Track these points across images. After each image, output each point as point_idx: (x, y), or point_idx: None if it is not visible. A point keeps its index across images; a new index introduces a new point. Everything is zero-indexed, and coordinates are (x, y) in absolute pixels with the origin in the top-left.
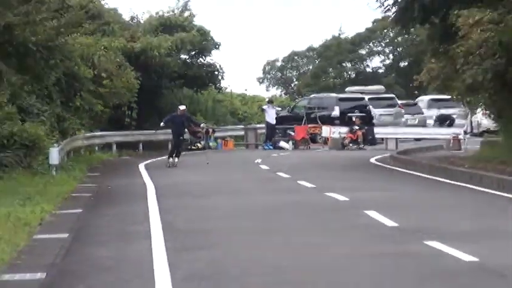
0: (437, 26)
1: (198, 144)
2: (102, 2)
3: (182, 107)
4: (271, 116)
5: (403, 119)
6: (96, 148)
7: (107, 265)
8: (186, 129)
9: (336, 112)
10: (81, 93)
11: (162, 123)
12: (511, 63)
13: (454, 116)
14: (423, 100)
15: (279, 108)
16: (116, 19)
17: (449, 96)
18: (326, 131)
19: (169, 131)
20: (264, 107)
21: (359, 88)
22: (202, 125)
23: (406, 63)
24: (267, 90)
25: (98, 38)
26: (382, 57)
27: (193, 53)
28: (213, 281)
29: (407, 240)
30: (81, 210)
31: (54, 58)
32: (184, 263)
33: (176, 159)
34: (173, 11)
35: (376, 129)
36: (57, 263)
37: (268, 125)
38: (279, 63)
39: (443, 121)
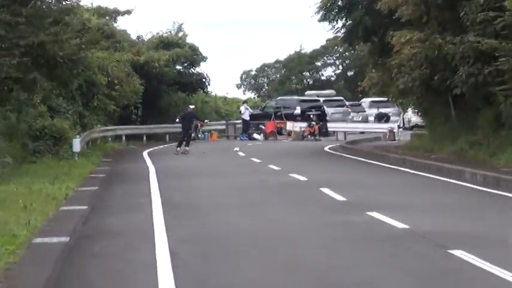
0: (377, 44)
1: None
2: (115, 25)
3: (192, 106)
4: (246, 114)
5: (350, 116)
6: (109, 139)
7: (117, 230)
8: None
9: (297, 111)
10: (97, 95)
11: (177, 119)
12: (434, 73)
13: (390, 114)
14: (365, 101)
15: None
16: (125, 38)
17: (386, 98)
18: (290, 125)
19: (165, 125)
20: (241, 107)
21: (315, 92)
22: (206, 120)
23: (353, 73)
24: (244, 94)
25: (111, 53)
26: (334, 68)
27: (186, 64)
28: (200, 242)
29: (354, 211)
30: (97, 188)
31: (77, 68)
32: (178, 228)
33: (187, 148)
34: (170, 32)
35: (329, 124)
36: (79, 229)
37: (244, 121)
38: (253, 73)
39: (381, 118)
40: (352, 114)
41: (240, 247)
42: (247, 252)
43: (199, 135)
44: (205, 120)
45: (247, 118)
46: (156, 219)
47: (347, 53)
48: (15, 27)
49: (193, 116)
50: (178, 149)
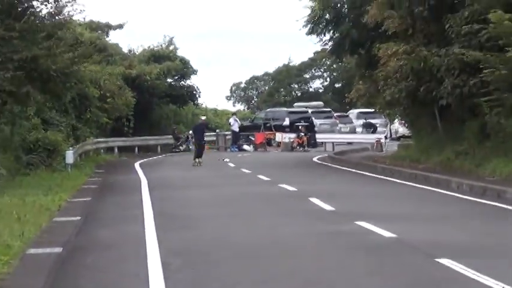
0: (364, 56)
1: (181, 148)
2: (107, 39)
3: (203, 118)
4: (235, 125)
5: (338, 127)
6: (102, 151)
7: (110, 242)
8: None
9: (286, 122)
10: (90, 108)
11: (190, 132)
12: (420, 85)
13: (377, 125)
14: (353, 113)
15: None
16: (117, 51)
17: (373, 110)
18: (279, 136)
19: (157, 137)
20: (230, 119)
21: (304, 104)
22: (217, 130)
23: (340, 85)
24: (234, 106)
25: (103, 66)
26: (322, 80)
27: (177, 77)
28: (192, 254)
29: (342, 221)
30: (90, 199)
31: (70, 82)
32: (170, 240)
33: (200, 160)
34: (161, 45)
35: (317, 135)
36: (72, 240)
37: (233, 132)
38: (242, 85)
39: (368, 127)
40: (340, 125)
41: (232, 259)
42: (239, 264)
43: (191, 147)
44: (217, 130)
45: (237, 129)
46: (148, 230)
47: (335, 65)
48: (9, 41)
49: (206, 126)
50: (196, 160)
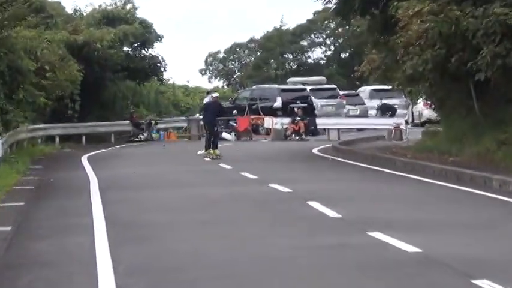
0: (377, 17)
1: (141, 136)
2: None
3: (215, 95)
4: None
5: (345, 110)
6: (39, 141)
7: (49, 259)
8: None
9: (278, 103)
10: (24, 85)
11: (199, 113)
12: (451, 54)
13: (396, 107)
14: (364, 91)
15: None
16: (58, 12)
17: (390, 87)
18: (268, 122)
19: (110, 123)
20: (206, 99)
21: (301, 79)
22: (234, 112)
23: (347, 54)
24: (210, 82)
25: (41, 31)
26: (324, 49)
27: (136, 45)
28: (153, 275)
29: (350, 232)
30: (23, 203)
31: None
32: (127, 256)
33: (217, 151)
34: (116, 4)
35: (318, 120)
36: (0, 257)
37: None
38: (221, 55)
39: (386, 111)
40: (347, 107)
41: (208, 279)
42: (217, 286)
43: (154, 135)
44: (234, 112)
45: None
46: (99, 244)
47: (340, 29)
48: None
49: (219, 107)
50: (202, 152)
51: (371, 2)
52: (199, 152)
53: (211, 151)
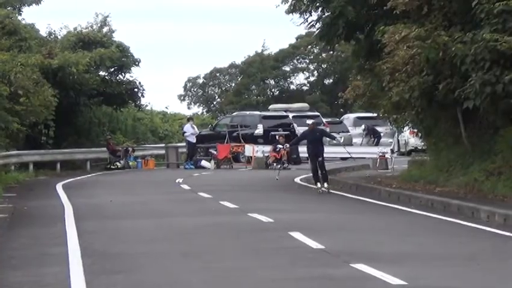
0: (363, 43)
1: (118, 164)
2: (19, 18)
3: (309, 121)
4: (190, 134)
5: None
6: (12, 167)
7: None
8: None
9: (259, 130)
10: None
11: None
12: (438, 81)
13: (381, 134)
14: (349, 118)
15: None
16: (32, 35)
17: (375, 114)
18: (249, 150)
19: (85, 149)
20: (185, 126)
21: (283, 106)
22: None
23: (331, 81)
24: (189, 108)
25: (14, 54)
26: (307, 74)
27: (113, 69)
28: None
29: (334, 263)
30: None
31: None
32: None
33: (325, 184)
34: (92, 27)
35: (300, 148)
36: None
37: (188, 143)
38: (200, 80)
39: (372, 134)
40: None
41: None
42: None
43: (131, 163)
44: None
45: (193, 140)
46: (74, 274)
47: (324, 55)
48: None
49: (321, 133)
50: (318, 184)
51: (356, 27)
52: (176, 181)
53: (325, 185)
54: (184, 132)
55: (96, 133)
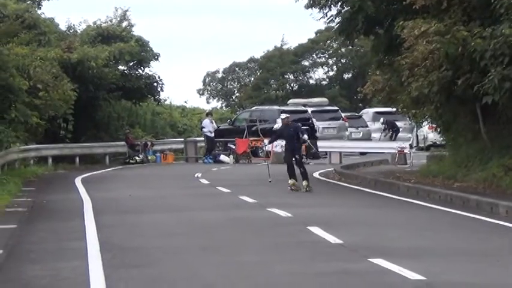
0: (382, 37)
1: (137, 158)
2: (39, 12)
3: (283, 116)
4: (209, 129)
5: (347, 133)
6: (32, 162)
7: (41, 284)
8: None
9: (278, 125)
10: (16, 104)
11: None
12: (457, 76)
13: (400, 129)
14: (368, 113)
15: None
16: (52, 29)
17: (394, 109)
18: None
19: (104, 143)
20: (204, 121)
21: (302, 100)
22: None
23: (350, 75)
24: (208, 103)
25: (33, 48)
26: (326, 69)
27: (132, 64)
28: None
29: (352, 258)
30: (15, 226)
31: None
32: (121, 282)
33: (304, 182)
34: (111, 21)
35: (319, 143)
36: None
37: (207, 138)
38: (219, 75)
39: (391, 127)
40: (350, 129)
41: None
42: None
43: (150, 157)
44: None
45: (212, 134)
46: (93, 269)
47: (343, 50)
48: None
49: (295, 129)
50: (290, 182)
51: (375, 21)
52: (195, 175)
53: (291, 182)
54: (203, 127)
55: (115, 127)
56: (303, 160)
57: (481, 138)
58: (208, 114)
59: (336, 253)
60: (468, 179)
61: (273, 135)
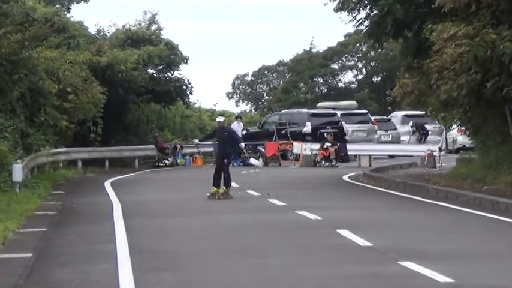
0: (411, 41)
1: (166, 161)
2: (68, 16)
3: (220, 119)
4: (239, 132)
5: (377, 136)
6: (61, 165)
7: (71, 287)
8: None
9: (307, 128)
10: (45, 108)
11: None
12: (486, 79)
13: (429, 132)
14: (397, 116)
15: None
16: (81, 32)
17: (423, 112)
18: (297, 147)
19: (134, 147)
20: (233, 124)
21: (331, 103)
22: (242, 144)
23: (379, 78)
24: (237, 106)
25: (63, 51)
26: (355, 72)
27: (161, 67)
28: None
29: (381, 261)
30: (45, 229)
31: (18, 72)
32: (151, 285)
33: (222, 189)
34: (140, 25)
35: (348, 146)
36: (20, 284)
37: None
38: (248, 78)
39: (421, 130)
40: (379, 132)
41: None
42: None
43: (179, 160)
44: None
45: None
46: (123, 272)
47: (372, 53)
48: None
49: (230, 133)
50: (212, 190)
51: (404, 25)
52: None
53: (216, 188)
54: None
55: (144, 130)
56: (333, 163)
57: (510, 141)
58: (238, 117)
59: (365, 256)
60: (497, 181)
61: (206, 135)
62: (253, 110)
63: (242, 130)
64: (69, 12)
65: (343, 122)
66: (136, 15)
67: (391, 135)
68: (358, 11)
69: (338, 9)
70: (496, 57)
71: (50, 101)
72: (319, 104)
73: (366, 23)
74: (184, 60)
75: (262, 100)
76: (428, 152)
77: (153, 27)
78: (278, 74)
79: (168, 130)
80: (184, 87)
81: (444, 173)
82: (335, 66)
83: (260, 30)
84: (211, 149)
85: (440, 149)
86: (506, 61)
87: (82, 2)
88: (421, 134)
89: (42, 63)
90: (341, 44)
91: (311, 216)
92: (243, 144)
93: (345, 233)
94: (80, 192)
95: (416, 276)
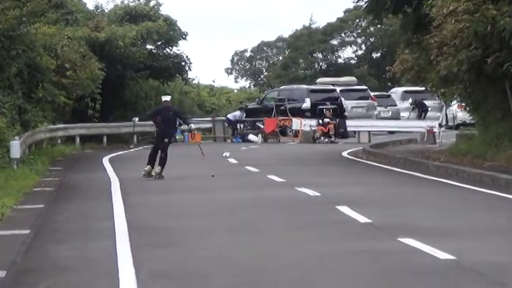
0: (411, 16)
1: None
2: None
3: (167, 98)
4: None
5: (376, 112)
6: (59, 141)
7: (69, 264)
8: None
9: (306, 104)
10: (43, 84)
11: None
12: (487, 55)
13: (429, 108)
14: (397, 92)
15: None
16: (79, 8)
17: (423, 88)
18: (296, 123)
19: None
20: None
21: (330, 79)
22: (191, 125)
23: (379, 54)
24: (236, 82)
25: (61, 27)
26: (354, 48)
27: (160, 43)
28: (177, 281)
29: (381, 237)
30: (43, 206)
31: (15, 48)
32: (149, 261)
33: (158, 168)
34: (139, 0)
35: (348, 122)
36: (18, 261)
37: (229, 121)
38: (247, 54)
39: (420, 107)
40: (378, 108)
41: (237, 286)
42: None
43: (177, 137)
44: (191, 125)
45: (232, 119)
46: (121, 247)
47: (372, 28)
48: None
49: (176, 113)
50: (147, 167)
51: (404, 0)
52: (223, 154)
53: (149, 167)
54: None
55: (142, 106)
56: (332, 139)
57: (510, 117)
58: (242, 109)
59: (365, 232)
60: (498, 157)
61: (148, 113)
62: (252, 86)
63: (246, 106)
64: None
65: (342, 98)
66: None
67: (390, 111)
68: None
69: None
70: (497, 32)
71: (48, 77)
72: (319, 80)
73: None
74: (183, 36)
75: (262, 76)
76: (428, 128)
77: (152, 3)
78: (277, 49)
79: None
80: (183, 63)
81: (444, 149)
82: (334, 42)
83: (259, 6)
84: (210, 125)
85: (440, 125)
86: (506, 37)
87: None
88: (420, 111)
89: (40, 39)
90: (341, 19)
91: (310, 192)
92: (193, 126)
93: (345, 209)
94: (78, 169)
95: (416, 252)
